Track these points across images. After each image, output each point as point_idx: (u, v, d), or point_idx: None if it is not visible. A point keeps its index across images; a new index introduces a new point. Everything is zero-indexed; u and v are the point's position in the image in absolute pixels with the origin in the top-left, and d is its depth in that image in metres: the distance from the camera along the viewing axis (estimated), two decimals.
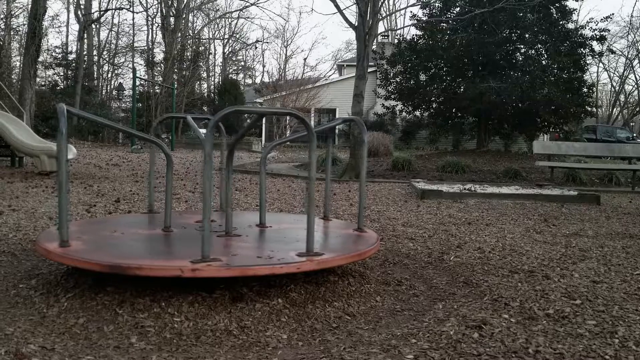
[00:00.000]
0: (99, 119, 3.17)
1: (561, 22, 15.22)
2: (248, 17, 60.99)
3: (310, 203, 2.75)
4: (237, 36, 43.17)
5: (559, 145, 11.33)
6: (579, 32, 15.17)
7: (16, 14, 30.17)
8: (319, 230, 3.73)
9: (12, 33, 30.91)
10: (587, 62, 15.80)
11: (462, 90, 15.47)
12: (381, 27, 41.02)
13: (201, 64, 36.29)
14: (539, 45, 15.63)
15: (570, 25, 15.57)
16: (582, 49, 15.17)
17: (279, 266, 2.55)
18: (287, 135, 25.31)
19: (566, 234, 4.89)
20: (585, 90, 15.35)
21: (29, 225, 4.51)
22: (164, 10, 31.48)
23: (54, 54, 30.92)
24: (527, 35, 15.39)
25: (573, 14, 15.55)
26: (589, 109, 15.91)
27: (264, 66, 56.22)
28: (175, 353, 2.11)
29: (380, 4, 10.77)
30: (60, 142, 2.62)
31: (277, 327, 2.43)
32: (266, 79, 42.67)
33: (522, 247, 4.21)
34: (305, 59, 76.33)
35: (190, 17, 37.08)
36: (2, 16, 26.64)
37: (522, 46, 15.97)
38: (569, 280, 3.22)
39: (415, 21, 16.13)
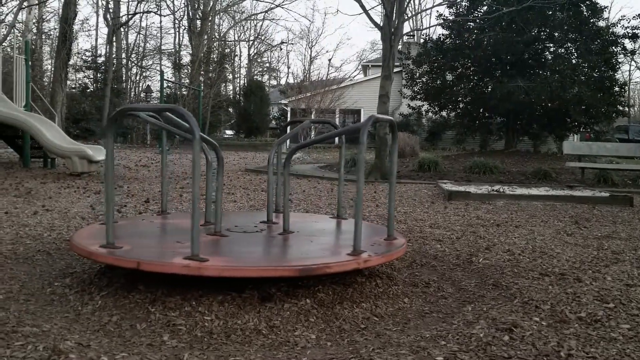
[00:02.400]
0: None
1: (592, 20, 14.96)
2: (273, 19, 61.53)
3: (391, 199, 3.02)
4: (262, 38, 43.50)
5: (590, 145, 11.12)
6: (611, 30, 14.89)
7: (47, 18, 30.90)
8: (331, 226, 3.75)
9: (43, 37, 31.64)
10: (619, 60, 15.51)
11: (490, 90, 15.31)
12: (407, 27, 40.85)
13: (227, 66, 36.63)
14: (569, 44, 15.39)
15: (601, 23, 15.28)
16: (613, 47, 14.88)
17: (400, 249, 3.05)
18: (312, 136, 25.35)
19: (598, 236, 4.80)
20: (616, 89, 15.05)
21: (63, 225, 4.61)
22: (190, 13, 31.86)
23: (84, 57, 31.61)
24: (556, 34, 15.16)
25: (604, 12, 15.27)
26: (621, 108, 15.59)
27: (288, 67, 56.58)
28: (207, 351, 2.14)
29: (406, 4, 10.72)
30: (196, 148, 2.51)
31: (306, 327, 2.45)
32: (291, 80, 42.83)
33: (552, 250, 4.15)
34: (329, 60, 76.39)
35: (216, 20, 37.47)
36: (34, 20, 27.28)
37: (551, 45, 15.75)
38: (601, 283, 3.17)
39: (442, 20, 16.02)
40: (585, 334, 2.35)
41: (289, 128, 5.02)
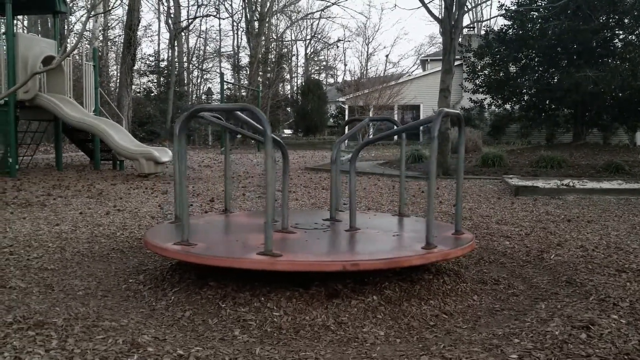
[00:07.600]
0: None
1: None
2: (329, 17, 61.34)
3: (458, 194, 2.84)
4: (319, 36, 43.60)
5: None
6: None
7: (112, 25, 32.13)
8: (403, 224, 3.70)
9: (109, 44, 32.93)
10: None
11: (556, 80, 14.77)
12: (466, 20, 39.92)
13: (284, 65, 37.00)
14: None
15: None
16: None
17: (470, 243, 3.05)
18: (370, 134, 25.22)
19: None
20: None
21: (134, 224, 4.79)
22: (248, 15, 32.39)
23: (147, 62, 32.71)
24: (626, 20, 14.44)
25: None
26: None
27: (345, 65, 56.31)
28: (277, 346, 2.17)
29: None
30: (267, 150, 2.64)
31: (374, 323, 2.44)
32: (348, 78, 42.73)
33: (628, 245, 3.96)
34: (387, 56, 75.62)
35: (273, 21, 37.91)
36: (100, 28, 28.47)
37: (621, 32, 15.01)
38: None
39: (504, 11, 15.57)
40: None
41: (346, 128, 5.02)
